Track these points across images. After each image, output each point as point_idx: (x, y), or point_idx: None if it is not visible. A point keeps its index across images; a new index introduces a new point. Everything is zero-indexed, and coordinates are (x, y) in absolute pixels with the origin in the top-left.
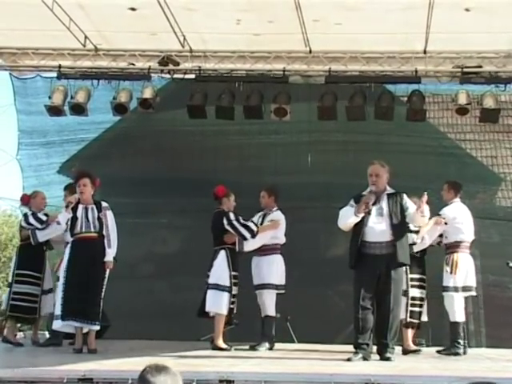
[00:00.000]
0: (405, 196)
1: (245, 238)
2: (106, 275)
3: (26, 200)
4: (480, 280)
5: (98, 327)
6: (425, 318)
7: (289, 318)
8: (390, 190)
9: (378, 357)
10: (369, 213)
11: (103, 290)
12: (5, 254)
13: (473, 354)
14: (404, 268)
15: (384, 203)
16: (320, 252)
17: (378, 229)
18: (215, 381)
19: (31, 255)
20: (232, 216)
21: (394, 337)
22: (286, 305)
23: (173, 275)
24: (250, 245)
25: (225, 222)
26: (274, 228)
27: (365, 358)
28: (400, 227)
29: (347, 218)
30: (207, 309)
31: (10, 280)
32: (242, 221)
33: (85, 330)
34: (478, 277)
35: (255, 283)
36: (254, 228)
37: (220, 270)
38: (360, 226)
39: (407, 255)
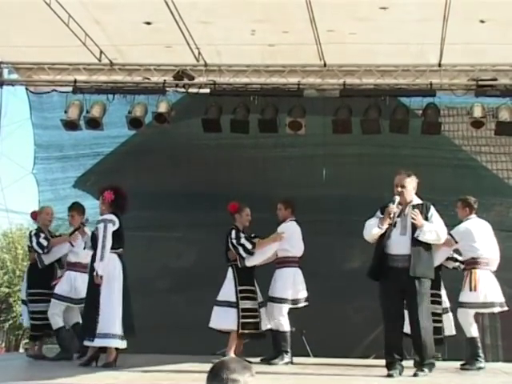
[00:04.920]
0: (432, 208)
1: (241, 257)
2: None
3: (34, 216)
4: None
5: None
6: (452, 331)
7: (304, 332)
8: (417, 201)
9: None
10: (394, 225)
11: None
12: (20, 268)
13: (490, 369)
14: (430, 281)
15: (408, 215)
16: (335, 265)
17: (401, 241)
18: None
19: (42, 274)
20: (233, 234)
21: (430, 352)
22: (301, 318)
23: (188, 289)
24: (251, 260)
25: (229, 239)
26: (274, 241)
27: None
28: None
29: (371, 229)
30: (211, 325)
31: (23, 298)
32: (242, 239)
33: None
34: None
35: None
36: (249, 246)
37: (227, 287)
38: (383, 239)
39: (429, 268)
